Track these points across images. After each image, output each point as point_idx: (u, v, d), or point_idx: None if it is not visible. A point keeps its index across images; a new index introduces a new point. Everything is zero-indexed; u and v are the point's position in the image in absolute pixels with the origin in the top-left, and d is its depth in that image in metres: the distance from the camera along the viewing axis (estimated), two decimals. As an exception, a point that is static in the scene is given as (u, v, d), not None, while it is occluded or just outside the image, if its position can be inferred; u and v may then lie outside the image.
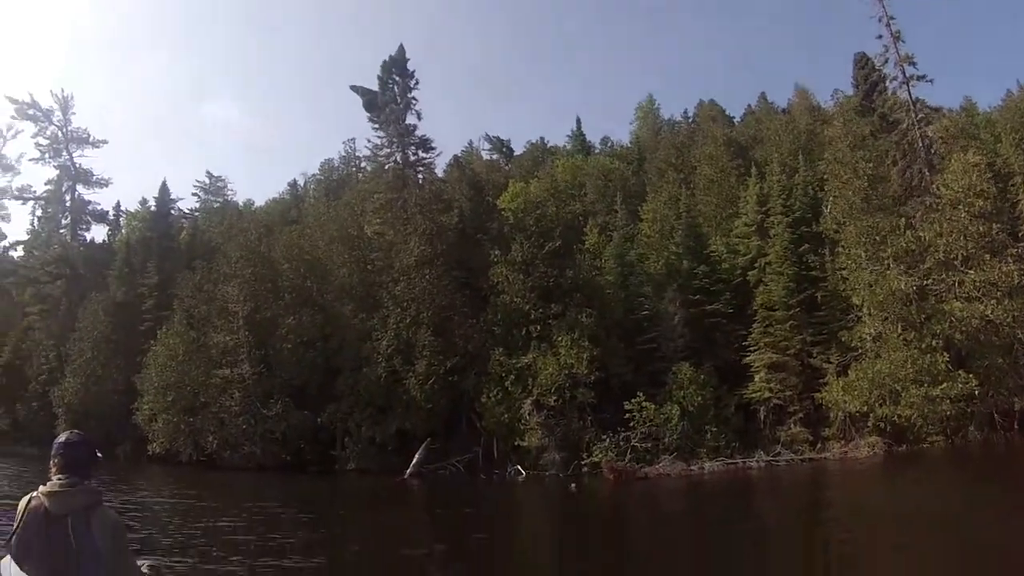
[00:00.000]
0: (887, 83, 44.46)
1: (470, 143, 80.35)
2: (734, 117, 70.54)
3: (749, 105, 74.91)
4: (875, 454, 35.02)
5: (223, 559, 17.38)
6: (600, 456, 37.08)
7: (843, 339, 37.64)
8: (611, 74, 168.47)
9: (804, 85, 71.26)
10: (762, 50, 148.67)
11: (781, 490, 31.01)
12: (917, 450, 34.58)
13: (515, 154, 76.03)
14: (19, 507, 4.73)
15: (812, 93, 67.82)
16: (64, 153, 69.81)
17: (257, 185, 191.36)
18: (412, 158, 51.61)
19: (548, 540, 22.74)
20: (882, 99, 44.70)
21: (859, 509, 23.62)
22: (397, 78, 51.53)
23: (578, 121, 78.94)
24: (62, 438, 4.98)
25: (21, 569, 4.77)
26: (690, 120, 72.32)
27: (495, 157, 75.50)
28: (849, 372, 35.83)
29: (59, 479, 4.75)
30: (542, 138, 76.91)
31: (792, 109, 66.22)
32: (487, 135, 78.90)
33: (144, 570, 5.43)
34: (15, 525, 4.66)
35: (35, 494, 4.73)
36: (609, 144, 77.20)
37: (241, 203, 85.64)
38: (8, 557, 4.97)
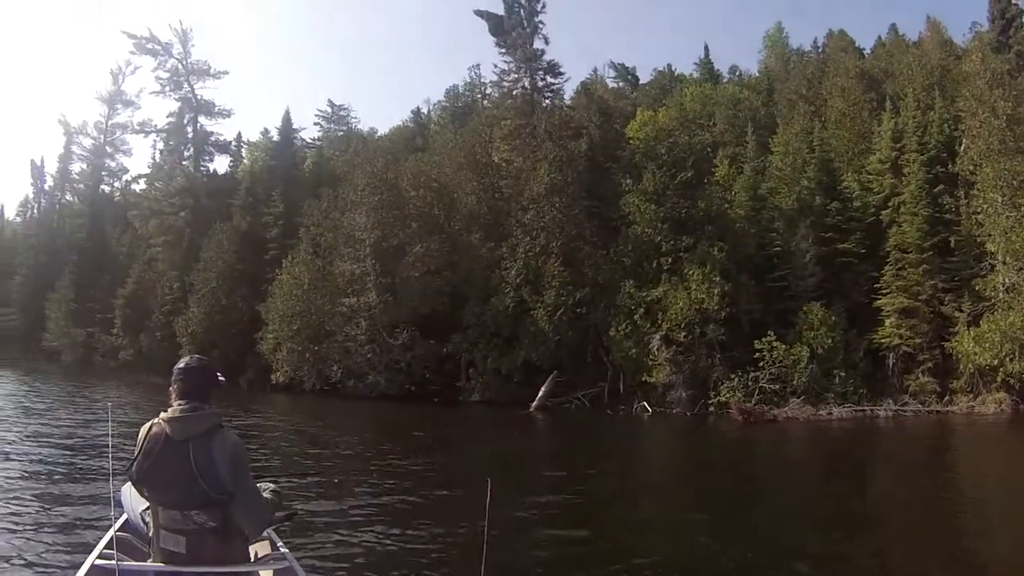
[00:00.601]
0: None
1: (594, 70, 78.94)
2: (864, 49, 67.98)
3: (879, 36, 72.18)
4: (1002, 411, 33.87)
5: (348, 483, 17.37)
6: (728, 395, 36.63)
7: (976, 287, 36.39)
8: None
9: (936, 17, 68.37)
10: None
11: (913, 443, 29.63)
12: None
13: (640, 82, 74.60)
14: (140, 433, 4.81)
15: (944, 26, 65.12)
16: (185, 85, 70.62)
17: (380, 114, 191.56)
18: (540, 83, 50.85)
19: (675, 479, 22.12)
20: (1020, 36, 42.66)
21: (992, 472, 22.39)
22: (523, 1, 50.76)
23: (706, 48, 77.66)
24: (182, 363, 5.04)
25: (142, 495, 4.98)
26: (819, 50, 69.99)
27: (620, 85, 74.13)
28: (981, 323, 34.64)
29: (180, 404, 4.80)
30: (669, 65, 75.14)
31: (924, 42, 63.57)
32: (612, 62, 77.78)
33: (266, 494, 5.32)
34: (136, 451, 4.74)
35: (156, 420, 4.81)
36: (737, 73, 75.35)
37: (364, 131, 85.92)
38: (128, 483, 5.26)
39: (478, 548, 5.02)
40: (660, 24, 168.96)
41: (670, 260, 40.42)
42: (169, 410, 4.80)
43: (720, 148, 50.15)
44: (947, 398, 36.08)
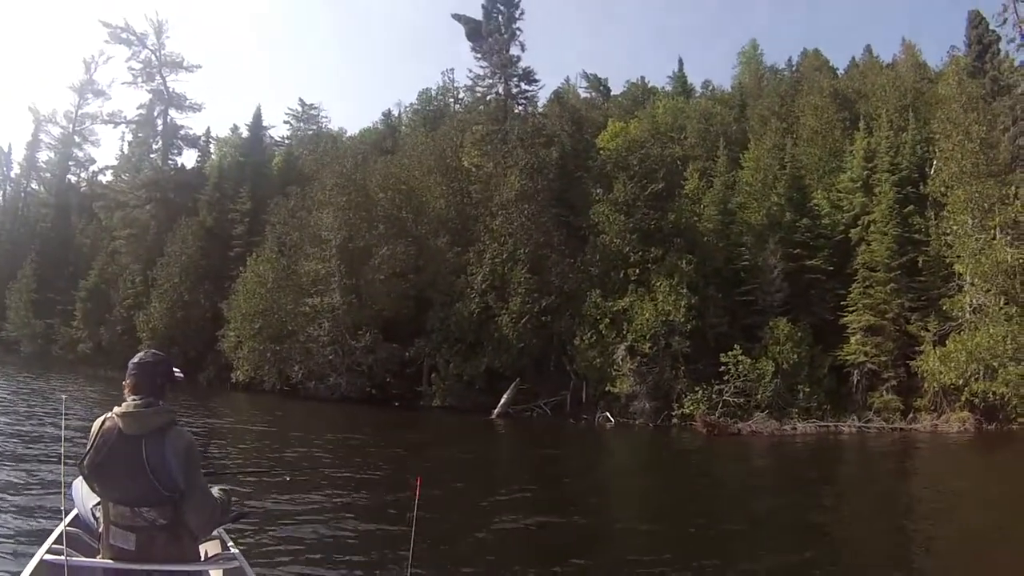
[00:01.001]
0: (1001, 45, 42.79)
1: (566, 80, 79.24)
2: (838, 68, 68.46)
3: (853, 57, 72.85)
4: (965, 430, 34.12)
5: (301, 483, 16.77)
6: (692, 408, 36.54)
7: (944, 307, 36.62)
8: (713, 16, 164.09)
9: (911, 40, 69.01)
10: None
11: (877, 459, 29.65)
12: (1007, 430, 33.58)
13: (612, 94, 74.51)
14: (93, 428, 4.77)
15: (919, 49, 65.62)
16: (157, 77, 69.50)
17: (350, 114, 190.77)
18: (514, 90, 50.54)
19: (639, 493, 21.65)
20: (995, 61, 42.92)
21: (963, 488, 22.05)
22: (502, 7, 50.35)
23: (680, 62, 77.53)
24: (136, 358, 5.02)
25: (92, 490, 5.00)
26: (794, 69, 70.35)
27: (592, 95, 74.03)
28: (947, 342, 34.63)
29: (133, 399, 4.77)
30: (642, 77, 75.35)
31: (898, 64, 63.98)
32: (584, 72, 77.60)
33: (216, 493, 5.25)
34: (88, 446, 4.71)
35: (109, 415, 4.77)
36: (710, 88, 75.86)
37: (334, 131, 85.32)
38: (80, 478, 5.35)
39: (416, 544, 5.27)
40: (634, 37, 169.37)
41: (638, 271, 40.28)
42: (123, 405, 4.77)
43: (691, 161, 50.14)
44: (911, 416, 36.27)
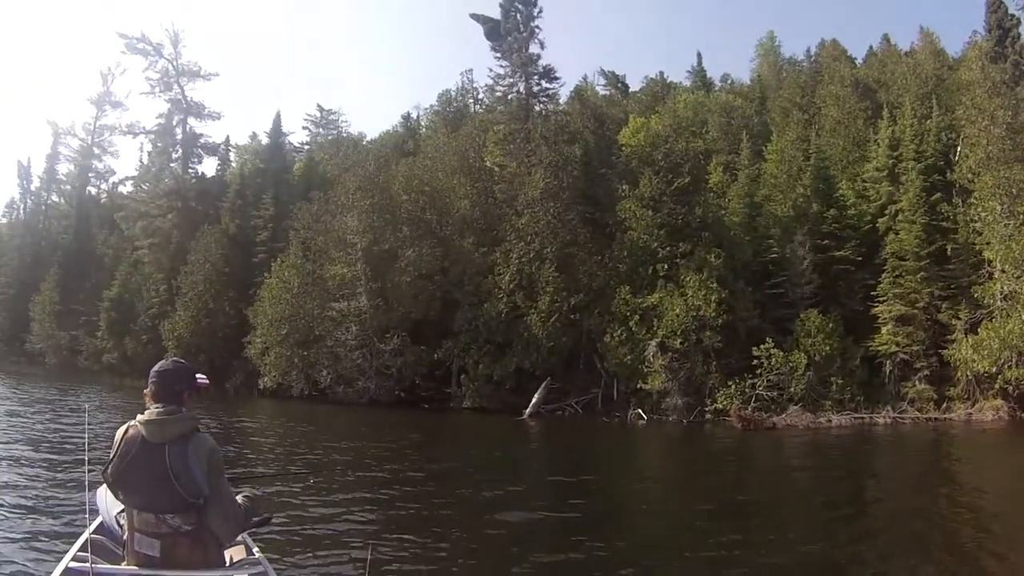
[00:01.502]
0: (1022, 29, 42.02)
1: (584, 78, 78.03)
2: (856, 58, 67.55)
3: (871, 46, 71.87)
4: (1000, 418, 33.72)
5: (329, 489, 16.57)
6: (725, 403, 36.12)
7: (975, 295, 36.05)
8: (729, 9, 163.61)
9: (929, 28, 67.98)
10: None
11: (920, 450, 28.94)
12: None
13: (630, 90, 73.82)
14: (116, 436, 4.83)
15: (937, 36, 64.65)
16: (175, 86, 69.30)
17: (369, 119, 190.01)
18: (535, 88, 49.96)
19: (676, 488, 21.16)
20: (1017, 46, 42.33)
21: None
22: (520, 5, 49.84)
23: (699, 56, 76.82)
24: (158, 366, 5.06)
25: (116, 498, 5.04)
26: (812, 59, 69.48)
27: (610, 92, 73.30)
28: (979, 330, 34.24)
29: (156, 407, 4.82)
30: (661, 73, 74.15)
31: (917, 52, 63.05)
32: (602, 70, 76.81)
33: (240, 499, 5.27)
34: (112, 454, 4.76)
35: (132, 423, 4.82)
36: (729, 81, 74.92)
37: (354, 136, 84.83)
38: (104, 486, 5.40)
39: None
40: (650, 33, 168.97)
41: (666, 266, 39.80)
42: (145, 413, 4.81)
43: (713, 155, 49.57)
44: (944, 405, 35.81)
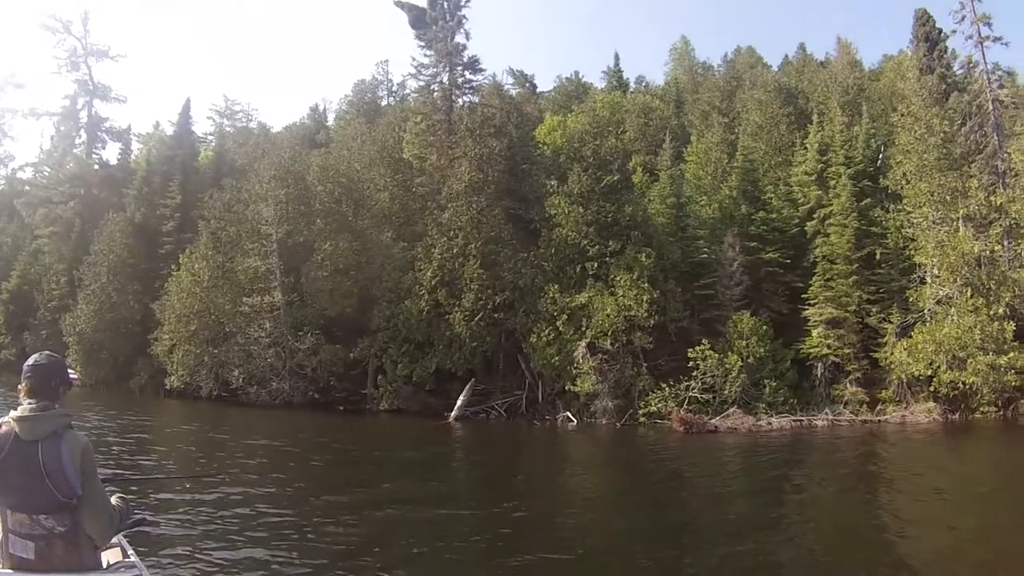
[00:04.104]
0: (950, 42, 42.41)
1: (493, 76, 76.13)
2: (771, 66, 66.79)
3: (787, 55, 71.79)
4: (934, 420, 32.93)
5: (210, 492, 16.22)
6: (659, 405, 34.00)
7: (910, 299, 35.24)
8: (641, 14, 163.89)
9: (846, 39, 68.04)
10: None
11: (868, 454, 27.35)
12: (970, 419, 32.60)
13: (538, 90, 71.60)
14: None
15: (855, 47, 64.33)
16: (82, 66, 64.74)
17: (272, 111, 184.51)
18: (459, 79, 46.77)
19: (636, 498, 19.36)
20: (943, 59, 42.37)
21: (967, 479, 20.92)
22: (447, -7, 46.54)
23: (616, 57, 74.75)
24: (31, 360, 4.80)
25: None
26: (728, 65, 68.64)
27: (519, 92, 70.80)
28: (914, 334, 33.51)
29: (29, 403, 4.60)
30: (576, 72, 72.45)
31: (834, 62, 62.61)
32: (511, 68, 74.46)
33: (114, 500, 4.95)
34: None
35: (5, 419, 4.59)
36: (644, 84, 73.59)
37: (267, 126, 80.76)
38: None
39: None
40: (561, 34, 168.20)
41: (596, 265, 37.14)
42: (19, 408, 4.59)
43: (633, 155, 47.51)
44: (878, 408, 34.79)
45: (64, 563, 4.49)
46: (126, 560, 5.58)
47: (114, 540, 5.55)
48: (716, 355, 34.42)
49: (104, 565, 5.16)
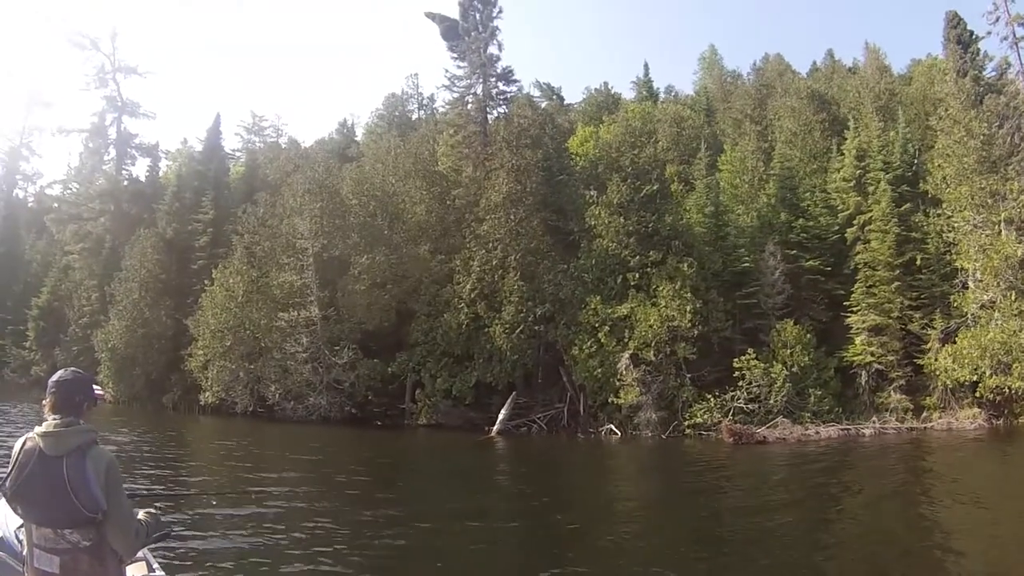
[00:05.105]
0: (983, 44, 41.44)
1: (520, 88, 75.77)
2: (799, 72, 66.05)
3: (814, 61, 71.47)
4: (979, 426, 32.44)
5: (241, 509, 15.87)
6: (705, 417, 33.45)
7: (955, 304, 34.56)
8: (668, 23, 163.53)
9: (875, 44, 67.07)
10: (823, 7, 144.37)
11: (920, 461, 26.92)
12: (1015, 425, 32.19)
13: (565, 102, 70.97)
14: (14, 449, 4.59)
15: (884, 52, 63.50)
16: (111, 83, 64.52)
17: (300, 127, 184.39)
18: (493, 91, 46.21)
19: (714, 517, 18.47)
20: (976, 61, 41.61)
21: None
22: (479, 4, 46.12)
23: (646, 67, 74.63)
24: (56, 376, 4.77)
25: (16, 512, 4.77)
26: (758, 73, 67.82)
27: (546, 104, 70.28)
28: (958, 339, 32.78)
29: (54, 419, 4.57)
30: (606, 83, 72.08)
31: (863, 68, 61.77)
32: (537, 81, 73.91)
33: (140, 515, 4.92)
34: (9, 467, 4.53)
35: (30, 435, 4.59)
36: (673, 93, 72.86)
37: (297, 141, 79.98)
38: (3, 500, 4.96)
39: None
40: (589, 45, 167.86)
41: (637, 275, 36.49)
42: (43, 424, 4.58)
43: (667, 165, 46.89)
44: (923, 415, 34.33)
45: None
46: (152, 574, 5.73)
47: (139, 554, 5.67)
48: (761, 365, 33.85)
49: None
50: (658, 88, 72.64)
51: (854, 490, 21.46)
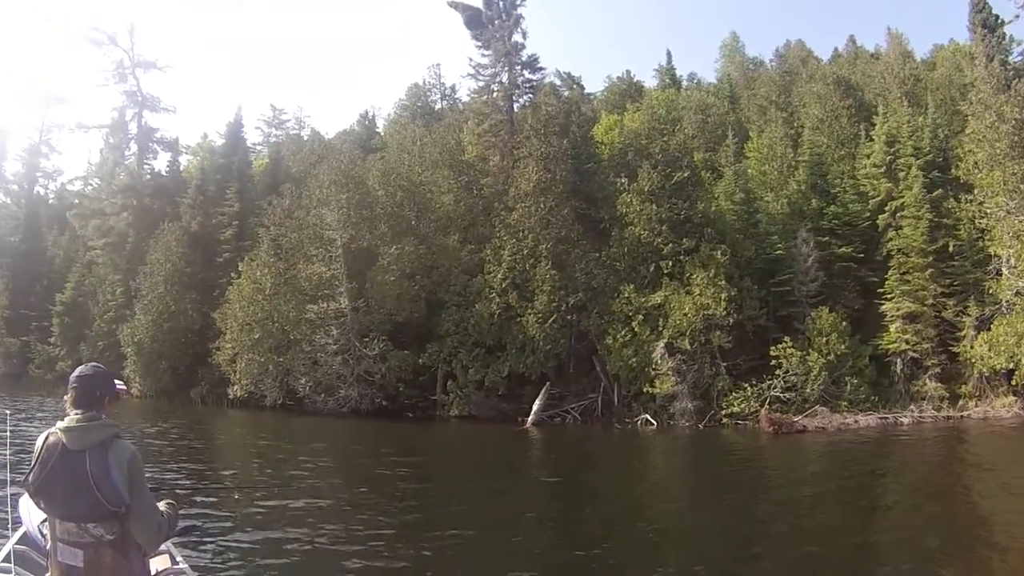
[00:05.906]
0: (1008, 28, 41.08)
1: (544, 76, 75.22)
2: (821, 59, 65.54)
3: (836, 48, 70.53)
4: (1015, 414, 32.04)
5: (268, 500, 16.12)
6: (742, 406, 33.06)
7: (990, 290, 34.11)
8: (685, 11, 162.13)
9: (897, 29, 66.37)
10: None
11: (962, 449, 26.78)
12: None
13: (585, 91, 70.30)
14: (36, 444, 4.61)
15: (907, 38, 62.96)
16: (130, 78, 63.87)
17: (321, 119, 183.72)
18: (519, 79, 45.56)
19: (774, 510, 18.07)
20: (1002, 45, 41.09)
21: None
22: (503, -8, 45.47)
23: (668, 54, 73.54)
24: (78, 371, 4.80)
25: (39, 507, 4.85)
26: (780, 59, 67.27)
27: (567, 93, 69.80)
28: (992, 327, 32.33)
29: (76, 414, 4.58)
30: (628, 71, 70.96)
31: (886, 53, 61.12)
32: (558, 71, 73.22)
33: (162, 506, 4.89)
34: (32, 462, 4.53)
35: (53, 430, 4.60)
36: (696, 80, 72.30)
37: (320, 133, 79.68)
38: (26, 495, 5.13)
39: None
40: (606, 33, 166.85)
41: (671, 263, 36.08)
42: (65, 419, 4.58)
43: (693, 152, 46.38)
44: (960, 403, 34.01)
45: (113, 571, 4.52)
46: (175, 567, 5.75)
47: (163, 547, 5.75)
48: (798, 353, 33.43)
49: (152, 572, 5.32)
50: (681, 76, 72.20)
51: (904, 481, 21.21)
